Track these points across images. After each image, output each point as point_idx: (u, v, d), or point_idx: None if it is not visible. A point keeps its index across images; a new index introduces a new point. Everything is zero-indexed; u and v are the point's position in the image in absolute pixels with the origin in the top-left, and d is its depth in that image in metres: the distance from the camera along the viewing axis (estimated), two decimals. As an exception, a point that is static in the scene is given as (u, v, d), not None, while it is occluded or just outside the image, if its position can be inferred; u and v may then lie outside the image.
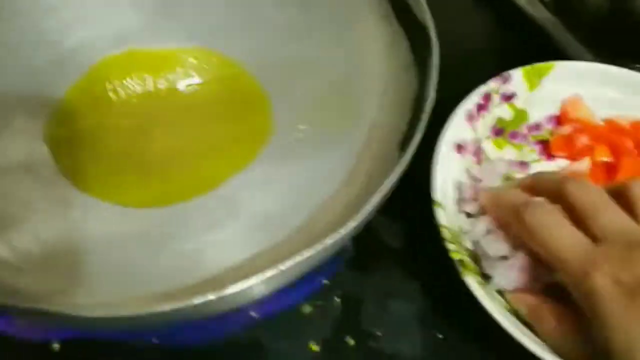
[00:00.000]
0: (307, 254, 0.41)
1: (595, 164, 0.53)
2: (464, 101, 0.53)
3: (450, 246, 0.47)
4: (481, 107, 0.54)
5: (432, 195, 0.49)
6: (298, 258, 0.41)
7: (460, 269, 0.46)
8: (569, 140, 0.54)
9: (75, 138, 0.55)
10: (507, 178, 0.53)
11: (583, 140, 0.53)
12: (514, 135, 0.56)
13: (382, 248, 0.54)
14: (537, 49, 0.63)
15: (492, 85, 0.54)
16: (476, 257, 0.48)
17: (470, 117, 0.53)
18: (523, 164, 0.55)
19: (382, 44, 0.56)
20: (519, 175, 0.53)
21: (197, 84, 0.59)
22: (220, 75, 0.59)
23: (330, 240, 0.41)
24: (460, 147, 0.52)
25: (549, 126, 0.56)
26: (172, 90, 0.58)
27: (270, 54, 0.59)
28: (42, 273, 0.47)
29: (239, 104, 0.58)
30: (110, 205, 0.51)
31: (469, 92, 0.54)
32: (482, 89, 0.54)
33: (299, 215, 0.50)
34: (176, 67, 0.59)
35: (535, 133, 0.56)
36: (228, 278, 0.47)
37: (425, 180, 0.50)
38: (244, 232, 0.51)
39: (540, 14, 0.65)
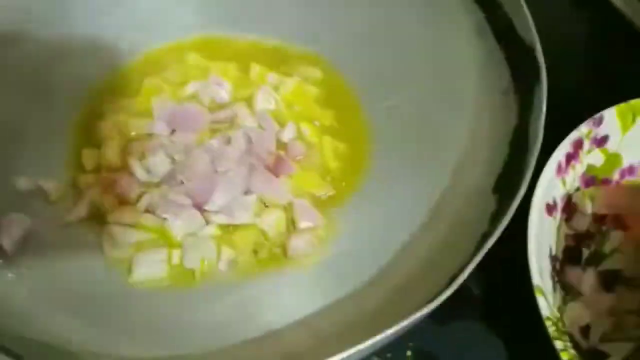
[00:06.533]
0: (375, 338, 0.36)
1: None
2: (554, 152, 0.46)
3: (558, 344, 0.41)
4: (571, 157, 0.47)
5: (532, 279, 0.42)
6: (369, 342, 0.36)
7: None
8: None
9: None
10: None
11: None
12: (606, 183, 0.49)
13: (461, 295, 0.47)
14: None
15: (583, 129, 0.47)
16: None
17: (560, 170, 0.46)
18: (619, 219, 0.48)
19: (475, 63, 0.49)
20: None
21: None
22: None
23: (405, 322, 0.37)
24: (550, 208, 0.45)
25: (643, 168, 0.50)
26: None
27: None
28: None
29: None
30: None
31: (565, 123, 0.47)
32: (573, 135, 0.47)
33: (374, 262, 0.45)
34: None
35: (629, 178, 0.49)
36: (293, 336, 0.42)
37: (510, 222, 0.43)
38: (313, 279, 0.45)
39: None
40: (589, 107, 0.48)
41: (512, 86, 0.47)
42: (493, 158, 0.46)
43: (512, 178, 0.42)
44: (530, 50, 0.45)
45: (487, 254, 0.40)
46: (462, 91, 0.49)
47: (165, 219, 0.45)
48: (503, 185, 0.44)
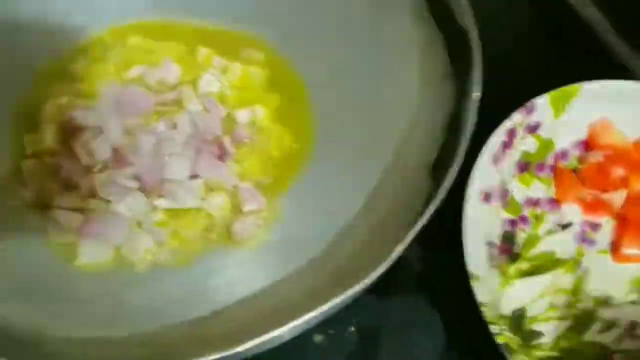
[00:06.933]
0: (323, 308, 0.39)
1: (630, 196, 0.50)
2: (488, 142, 0.47)
3: (493, 328, 0.43)
4: (506, 145, 0.49)
5: (466, 267, 0.44)
6: (314, 313, 0.39)
7: (507, 354, 0.43)
8: (601, 172, 0.50)
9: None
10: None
11: (618, 172, 0.49)
12: (540, 168, 0.51)
13: (404, 273, 0.49)
14: (578, 49, 0.59)
15: (516, 118, 0.49)
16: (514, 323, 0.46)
17: (496, 159, 0.48)
18: (553, 202, 0.51)
19: (417, 49, 0.50)
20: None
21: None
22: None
23: (339, 298, 0.39)
24: (486, 196, 0.47)
25: (576, 152, 0.51)
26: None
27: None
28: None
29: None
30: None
31: (504, 105, 0.49)
32: (507, 125, 0.48)
33: (316, 244, 0.46)
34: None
35: (562, 162, 0.51)
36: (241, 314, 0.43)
37: (449, 203, 0.45)
38: (257, 261, 0.46)
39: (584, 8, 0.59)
40: (528, 94, 0.50)
41: (451, 72, 0.48)
42: (430, 143, 0.47)
43: (446, 162, 0.44)
44: (467, 36, 0.46)
45: (429, 233, 0.42)
46: (403, 76, 0.50)
47: (109, 201, 0.46)
48: (438, 169, 0.46)
